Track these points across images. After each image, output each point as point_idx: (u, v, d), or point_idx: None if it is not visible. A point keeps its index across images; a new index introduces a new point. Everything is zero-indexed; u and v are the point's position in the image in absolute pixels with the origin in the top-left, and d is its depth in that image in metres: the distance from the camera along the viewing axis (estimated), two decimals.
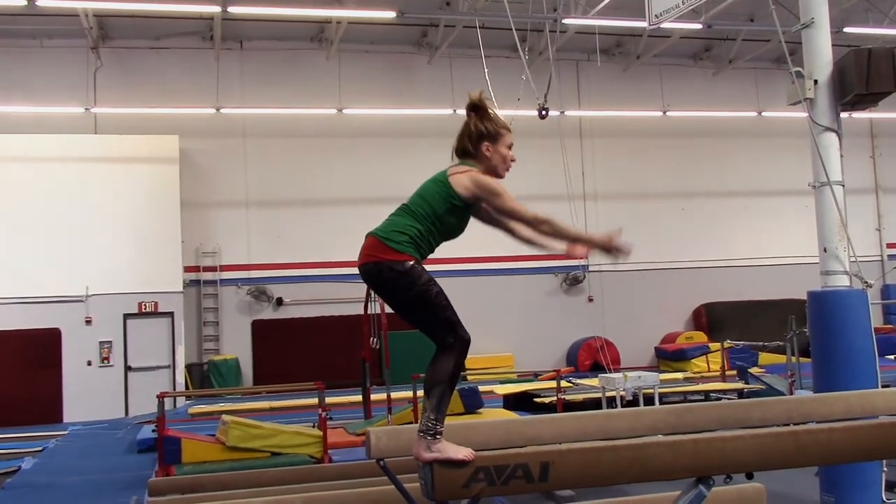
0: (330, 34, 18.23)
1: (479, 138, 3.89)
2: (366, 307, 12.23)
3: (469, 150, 3.92)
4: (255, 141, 18.74)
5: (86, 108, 17.41)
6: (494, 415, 10.95)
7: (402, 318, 3.79)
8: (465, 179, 3.79)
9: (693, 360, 18.42)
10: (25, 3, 13.55)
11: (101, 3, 15.67)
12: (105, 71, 17.76)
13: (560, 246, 4.04)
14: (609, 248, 3.95)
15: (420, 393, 3.88)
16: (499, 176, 3.95)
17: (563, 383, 12.17)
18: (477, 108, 3.94)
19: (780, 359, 14.02)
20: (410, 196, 3.86)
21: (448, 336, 3.67)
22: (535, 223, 3.85)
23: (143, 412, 15.14)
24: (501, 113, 11.57)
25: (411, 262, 3.67)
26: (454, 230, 3.88)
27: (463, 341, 3.69)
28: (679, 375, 16.64)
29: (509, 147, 3.96)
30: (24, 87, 17.06)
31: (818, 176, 6.51)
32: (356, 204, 18.64)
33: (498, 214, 3.93)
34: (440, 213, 3.78)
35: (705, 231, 21.22)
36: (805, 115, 6.58)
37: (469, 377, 16.34)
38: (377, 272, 3.69)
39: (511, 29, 12.46)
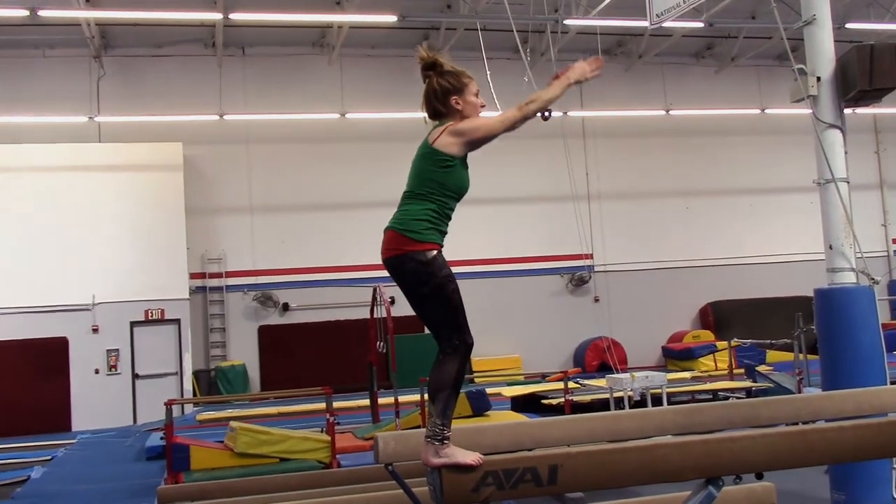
0: (331, 39, 18.25)
1: (445, 94, 3.86)
2: (372, 311, 12.25)
3: (440, 110, 3.88)
4: (258, 147, 18.77)
5: (89, 117, 17.44)
6: (502, 417, 10.96)
7: (415, 311, 3.79)
8: (447, 139, 3.77)
9: (700, 359, 18.40)
10: (28, 13, 13.59)
11: (102, 12, 15.72)
12: (108, 79, 17.80)
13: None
14: (587, 77, 3.94)
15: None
16: None
17: (571, 384, 12.16)
18: (434, 66, 3.90)
19: (788, 356, 13.99)
20: (408, 180, 3.84)
21: (454, 336, 3.67)
22: (524, 116, 3.80)
23: (151, 420, 15.16)
24: None
25: (434, 253, 3.68)
26: (463, 187, 3.85)
27: (467, 345, 3.69)
28: (687, 375, 16.63)
29: (476, 94, 3.91)
30: (27, 97, 17.09)
31: (823, 173, 6.50)
32: (360, 208, 18.66)
33: (492, 139, 3.87)
34: (442, 181, 3.76)
35: (710, 229, 21.19)
36: (808, 111, 6.57)
37: (477, 379, 16.38)
38: (400, 264, 3.70)
39: (513, 31, 12.45)
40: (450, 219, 3.82)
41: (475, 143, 3.81)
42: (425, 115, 3.95)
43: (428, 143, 3.81)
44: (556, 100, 3.86)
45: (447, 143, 3.76)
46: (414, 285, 3.69)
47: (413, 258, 3.65)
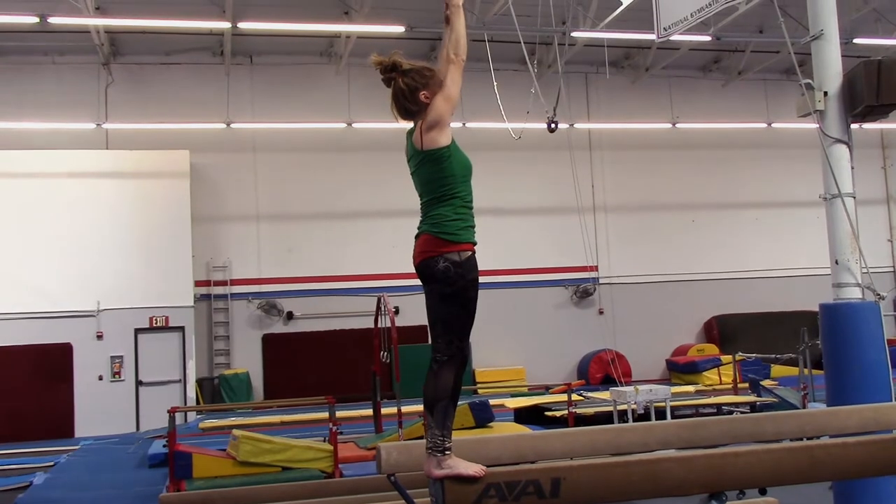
0: (339, 49, 18.31)
1: (413, 92, 3.88)
2: (376, 321, 12.24)
3: (411, 109, 3.91)
4: (265, 155, 18.81)
5: (97, 124, 17.50)
6: (505, 428, 10.94)
7: (428, 312, 3.80)
8: (429, 136, 3.80)
9: (705, 373, 18.36)
10: (38, 20, 13.65)
11: (112, 20, 15.79)
12: (116, 87, 17.88)
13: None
14: None
15: None
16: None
17: (575, 396, 12.14)
18: (395, 67, 3.92)
19: (793, 371, 13.96)
20: (420, 191, 3.88)
21: (454, 344, 3.68)
22: (463, 62, 3.86)
23: (154, 427, 15.16)
24: (511, 125, 11.54)
25: (468, 254, 3.74)
26: (468, 165, 3.89)
27: (463, 355, 3.72)
28: (691, 388, 16.59)
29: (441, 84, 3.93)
30: (36, 103, 17.16)
31: (829, 188, 6.48)
32: (366, 217, 18.70)
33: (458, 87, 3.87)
34: (451, 172, 3.80)
35: (716, 243, 21.16)
36: (815, 126, 6.56)
37: (480, 390, 16.35)
38: (434, 264, 3.72)
39: (520, 42, 12.46)
40: (472, 203, 3.87)
41: (451, 114, 3.84)
42: (396, 116, 3.98)
43: (417, 150, 3.84)
44: (459, 14, 3.90)
45: (432, 138, 3.80)
46: (441, 284, 3.72)
47: (447, 258, 3.70)
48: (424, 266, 3.76)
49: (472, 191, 3.91)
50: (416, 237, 3.82)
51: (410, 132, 3.94)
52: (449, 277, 3.69)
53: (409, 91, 3.88)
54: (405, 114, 3.95)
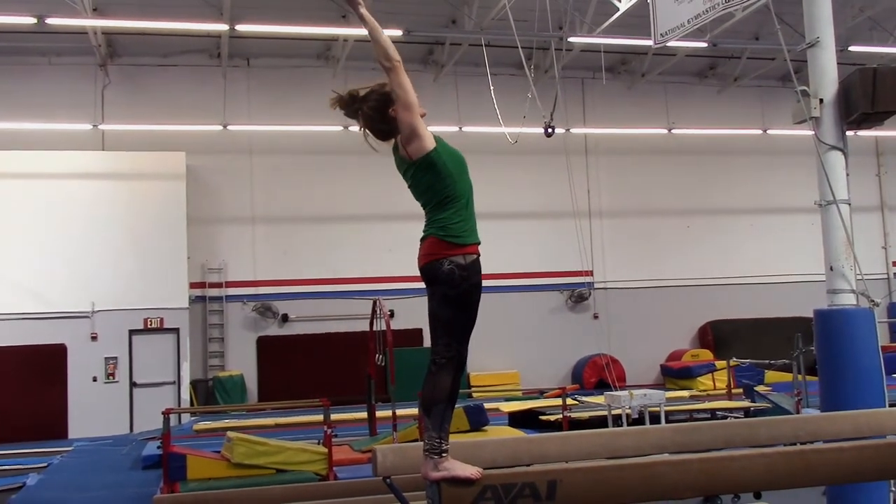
0: (336, 52, 18.33)
1: (381, 112, 3.93)
2: (371, 323, 12.25)
3: (386, 129, 3.97)
4: (261, 158, 18.81)
5: (93, 125, 17.48)
6: (500, 432, 10.94)
7: (430, 313, 3.80)
8: (412, 146, 3.84)
9: (699, 378, 18.39)
10: (35, 21, 13.66)
11: (109, 21, 15.79)
12: (113, 88, 17.88)
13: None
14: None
15: None
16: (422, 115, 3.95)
17: (569, 401, 12.15)
18: (354, 98, 3.99)
19: (787, 377, 13.98)
20: (422, 200, 3.90)
21: (452, 347, 3.69)
22: (394, 60, 3.88)
23: (148, 428, 15.14)
24: (507, 130, 11.57)
25: (473, 257, 3.77)
26: (460, 159, 3.93)
27: (461, 359, 3.73)
28: (685, 393, 16.62)
29: None
30: (32, 104, 17.13)
31: (824, 194, 6.51)
32: (362, 221, 18.70)
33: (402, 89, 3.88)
34: (447, 173, 3.82)
35: (711, 248, 21.20)
36: (811, 133, 6.59)
37: (475, 394, 16.35)
38: (439, 266, 3.73)
39: (517, 47, 12.49)
40: (472, 200, 3.89)
41: (419, 116, 3.86)
42: (374, 143, 4.05)
43: (408, 161, 3.88)
44: (371, 23, 3.93)
45: (416, 147, 3.84)
46: (445, 287, 3.73)
47: (453, 261, 3.72)
48: (429, 268, 3.77)
49: (472, 183, 3.93)
50: (422, 240, 3.84)
51: (395, 148, 3.96)
52: (453, 280, 3.71)
53: (378, 113, 3.94)
54: (383, 136, 4.01)
